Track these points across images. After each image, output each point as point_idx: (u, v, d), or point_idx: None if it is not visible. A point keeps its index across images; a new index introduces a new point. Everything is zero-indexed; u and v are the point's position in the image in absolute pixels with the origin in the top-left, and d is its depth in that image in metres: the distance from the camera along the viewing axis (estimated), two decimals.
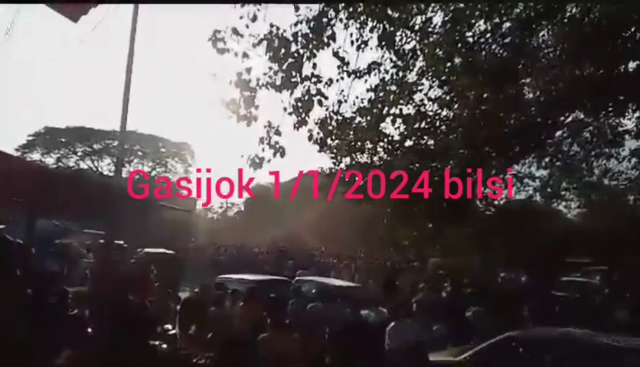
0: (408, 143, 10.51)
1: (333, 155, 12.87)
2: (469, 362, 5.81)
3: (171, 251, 15.39)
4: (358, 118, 7.88)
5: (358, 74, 7.70)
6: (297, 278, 11.03)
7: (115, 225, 12.09)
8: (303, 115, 5.96)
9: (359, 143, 11.09)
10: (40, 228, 12.29)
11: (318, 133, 6.95)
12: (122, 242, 13.49)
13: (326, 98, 6.21)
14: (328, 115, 7.10)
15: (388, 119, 8.24)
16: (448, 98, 10.10)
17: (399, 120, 8.58)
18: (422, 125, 9.28)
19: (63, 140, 37.04)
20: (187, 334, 7.34)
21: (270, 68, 6.20)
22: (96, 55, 60.10)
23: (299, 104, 5.95)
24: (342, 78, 7.12)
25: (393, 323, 5.89)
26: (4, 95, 51.81)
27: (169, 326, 7.65)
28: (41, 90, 55.37)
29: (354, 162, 12.49)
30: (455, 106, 10.79)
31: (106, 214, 12.10)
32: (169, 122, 67.11)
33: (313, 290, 9.84)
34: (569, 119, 12.70)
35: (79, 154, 37.71)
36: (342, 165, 12.84)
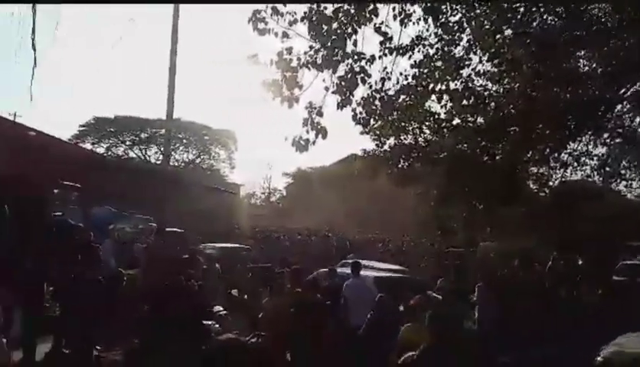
0: (456, 121, 10.09)
1: (376, 137, 12.66)
2: None
3: (238, 245, 15.44)
4: (402, 96, 7.58)
5: (402, 50, 7.40)
6: (342, 261, 10.89)
7: (165, 210, 12.52)
8: (347, 94, 5.75)
9: (403, 123, 10.79)
10: (96, 214, 12.88)
11: (360, 113, 6.71)
12: (177, 229, 13.84)
13: (369, 76, 5.98)
14: (370, 94, 6.84)
15: (434, 96, 7.88)
16: (497, 72, 9.59)
17: (445, 97, 8.19)
18: (471, 101, 8.83)
19: (111, 129, 38.48)
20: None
21: (311, 47, 6.03)
22: (141, 45, 61.90)
23: (342, 83, 5.76)
24: (385, 54, 6.84)
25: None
26: (57, 86, 54.41)
27: (220, 308, 7.81)
28: (90, 81, 57.77)
29: (398, 143, 12.22)
30: (506, 81, 10.24)
31: (156, 199, 12.52)
32: (212, 109, 68.38)
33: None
34: (631, 91, 11.81)
35: (127, 143, 39.10)
36: (386, 146, 12.63)
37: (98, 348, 5.80)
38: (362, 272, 8.14)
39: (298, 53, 6.01)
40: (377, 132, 11.91)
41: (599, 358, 5.18)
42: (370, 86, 6.82)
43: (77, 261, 6.45)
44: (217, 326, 6.98)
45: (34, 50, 6.67)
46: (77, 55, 58.67)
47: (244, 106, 61.16)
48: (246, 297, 9.43)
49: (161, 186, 12.61)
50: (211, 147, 41.45)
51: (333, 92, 5.78)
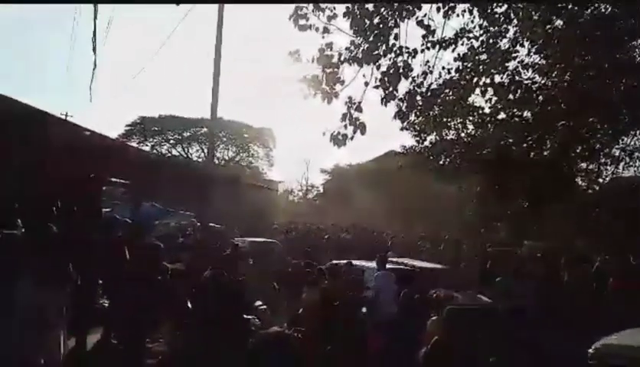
0: (501, 116, 9.74)
1: (416, 132, 12.44)
2: None
3: (268, 240, 15.58)
4: (445, 91, 7.39)
5: (445, 44, 7.21)
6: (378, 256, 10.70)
7: (207, 206, 12.80)
8: (390, 89, 5.65)
9: (445, 118, 10.54)
10: (142, 210, 13.33)
11: (402, 108, 6.59)
12: (216, 225, 14.09)
13: (412, 70, 5.86)
14: (412, 89, 6.70)
15: (478, 90, 7.63)
16: (546, 64, 9.18)
17: (490, 91, 7.92)
18: (517, 95, 8.50)
19: (156, 128, 39.68)
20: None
21: (352, 42, 5.96)
22: (184, 46, 63.56)
23: (386, 78, 5.66)
24: (428, 48, 6.68)
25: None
26: (105, 86, 56.68)
27: (260, 303, 7.89)
28: (137, 81, 59.76)
29: (439, 139, 11.93)
30: (555, 74, 9.81)
31: (200, 197, 12.82)
32: (253, 107, 69.44)
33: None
34: None
35: (170, 141, 40.22)
36: (427, 142, 12.37)
37: (147, 340, 5.96)
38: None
39: (340, 48, 5.97)
40: (418, 128, 11.71)
41: (590, 350, 5.49)
42: (413, 80, 6.70)
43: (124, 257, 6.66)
44: (258, 320, 7.06)
45: (95, 52, 6.92)
46: (122, 56, 60.91)
47: (284, 104, 61.68)
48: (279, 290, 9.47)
49: (204, 184, 12.92)
50: (250, 144, 42.03)
51: (375, 87, 5.70)
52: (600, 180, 14.02)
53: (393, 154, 23.95)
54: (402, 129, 11.68)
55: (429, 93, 6.75)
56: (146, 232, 10.32)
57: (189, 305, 6.18)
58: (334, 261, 9.73)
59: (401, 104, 6.80)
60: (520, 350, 5.69)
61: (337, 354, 5.68)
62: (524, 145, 10.80)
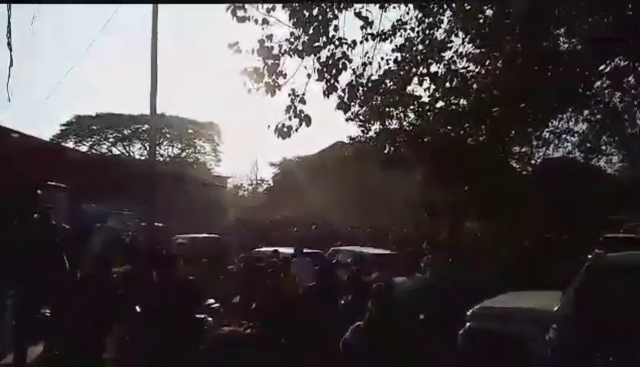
0: (439, 104, 10.11)
1: (361, 123, 12.67)
2: None
3: (215, 235, 15.42)
4: (385, 81, 7.58)
5: (383, 36, 7.39)
6: (333, 248, 11.04)
7: (151, 205, 12.41)
8: (332, 81, 5.73)
9: (387, 108, 10.80)
10: (82, 213, 12.74)
11: (343, 99, 6.70)
12: (160, 224, 13.70)
13: (351, 61, 5.97)
14: (353, 80, 6.83)
15: (416, 80, 7.89)
16: (479, 54, 9.62)
17: (427, 80, 8.21)
18: (454, 84, 8.86)
19: (94, 127, 37.79)
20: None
21: (292, 33, 5.98)
22: (117, 39, 60.68)
23: (325, 69, 5.74)
24: (367, 39, 6.83)
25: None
26: (33, 86, 53.23)
27: (212, 300, 7.79)
28: (69, 79, 56.58)
29: (383, 128, 12.21)
30: (487, 62, 10.30)
31: (144, 196, 12.39)
32: (194, 102, 67.55)
33: (349, 259, 9.83)
34: (610, 68, 11.98)
35: (110, 140, 38.50)
36: (371, 132, 12.63)
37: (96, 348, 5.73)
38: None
39: (280, 40, 5.98)
40: (362, 118, 11.93)
41: (468, 312, 5.94)
42: (353, 72, 6.83)
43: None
44: (210, 319, 6.98)
45: (10, 49, 6.48)
46: (54, 53, 57.36)
47: (228, 98, 60.55)
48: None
49: (146, 182, 12.49)
50: (196, 140, 41.03)
51: (317, 80, 5.75)
52: (532, 162, 14.95)
53: (340, 145, 24.25)
54: (347, 120, 11.78)
55: (369, 84, 6.91)
56: (87, 236, 9.91)
57: (137, 308, 6.00)
58: (262, 249, 10.80)
59: (343, 95, 6.92)
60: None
61: (296, 347, 5.73)
62: (462, 132, 11.28)
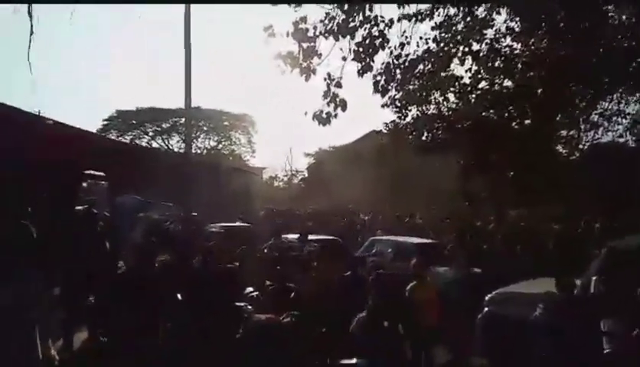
0: (481, 85, 9.63)
1: (397, 108, 12.32)
2: None
3: (247, 224, 15.59)
4: (424, 62, 7.25)
5: (421, 16, 7.07)
6: (372, 238, 10.68)
7: (188, 196, 12.54)
8: (367, 60, 5.51)
9: (425, 92, 10.42)
10: (122, 203, 13.01)
11: (380, 81, 6.46)
12: (195, 214, 13.84)
13: (388, 41, 5.72)
14: (391, 61, 6.57)
15: (457, 60, 7.51)
16: (523, 30, 9.07)
17: (469, 60, 7.80)
18: (497, 63, 8.40)
19: (134, 122, 38.83)
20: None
21: (327, 14, 5.79)
22: (153, 34, 62.05)
23: (361, 49, 5.52)
24: (405, 18, 6.54)
25: None
26: (78, 82, 55.25)
27: (251, 289, 7.75)
28: (110, 75, 58.25)
29: (421, 113, 11.80)
30: (532, 41, 9.73)
31: (180, 186, 12.50)
32: (229, 94, 68.31)
33: (389, 250, 9.53)
34: None
35: (150, 134, 39.46)
36: (408, 118, 12.24)
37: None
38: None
39: (314, 22, 5.81)
40: (399, 104, 11.59)
41: (487, 297, 6.18)
42: (390, 53, 6.58)
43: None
44: (249, 307, 6.95)
45: (31, 17, 6.67)
46: (94, 52, 59.28)
47: (263, 90, 60.96)
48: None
49: (184, 173, 12.63)
50: (231, 132, 41.48)
51: (352, 60, 5.55)
52: (580, 147, 14.13)
53: (374, 134, 23.84)
54: (383, 106, 11.53)
55: (406, 64, 6.63)
56: (129, 225, 10.09)
57: (179, 296, 6.04)
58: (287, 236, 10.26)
59: (380, 78, 6.69)
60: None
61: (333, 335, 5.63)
62: (506, 115, 10.75)
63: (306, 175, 41.91)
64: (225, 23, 61.89)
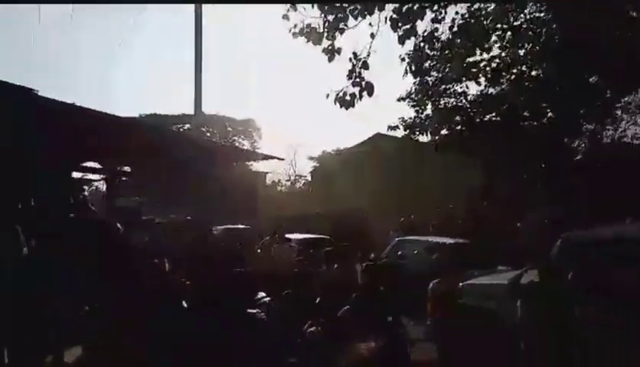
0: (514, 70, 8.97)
1: (415, 103, 11.77)
2: None
3: (247, 226, 15.44)
4: (458, 41, 6.66)
5: None
6: (398, 238, 9.98)
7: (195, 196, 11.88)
8: (410, 25, 4.89)
9: (444, 85, 9.86)
10: (124, 205, 12.42)
11: (411, 63, 5.88)
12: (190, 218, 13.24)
13: (425, 9, 5.12)
14: (421, 41, 6.00)
15: (495, 37, 6.88)
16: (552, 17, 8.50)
17: (508, 36, 7.16)
18: (530, 47, 7.81)
19: None
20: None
21: None
22: (154, 39, 61.77)
23: (400, 16, 4.91)
24: None
25: None
26: (80, 89, 54.78)
27: (263, 294, 7.09)
28: (112, 81, 57.81)
29: (439, 107, 11.21)
30: (555, 26, 9.13)
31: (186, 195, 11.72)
32: (232, 99, 67.86)
33: (415, 251, 8.85)
34: None
35: None
36: (427, 112, 11.68)
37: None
38: None
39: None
40: (416, 98, 11.07)
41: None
42: (424, 32, 6.01)
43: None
44: (262, 314, 6.24)
45: None
46: (96, 56, 58.95)
47: (266, 94, 60.45)
48: None
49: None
50: (235, 138, 41.02)
51: (391, 26, 4.92)
52: (604, 142, 13.48)
53: (378, 137, 23.11)
54: (399, 99, 10.98)
55: (439, 44, 6.07)
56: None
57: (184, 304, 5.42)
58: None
59: (411, 61, 6.11)
60: None
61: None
62: (536, 106, 10.12)
63: (310, 179, 41.37)
64: (227, 23, 61.72)
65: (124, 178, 13.51)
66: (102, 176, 14.99)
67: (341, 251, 7.40)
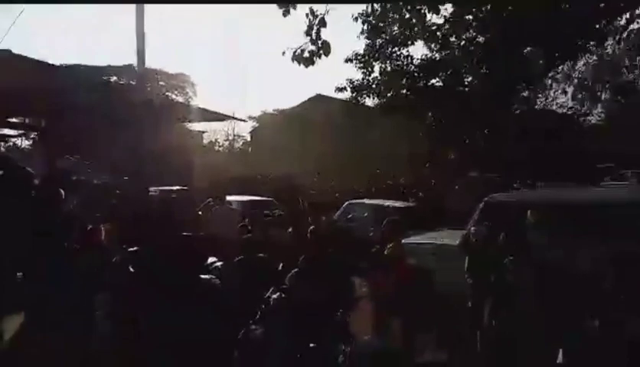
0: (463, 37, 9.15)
1: (362, 65, 11.68)
2: None
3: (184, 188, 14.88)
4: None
5: None
6: (348, 202, 9.99)
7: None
8: None
9: (400, 37, 9.80)
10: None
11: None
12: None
13: None
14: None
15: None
16: None
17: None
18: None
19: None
20: None
21: None
22: None
23: None
24: None
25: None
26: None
27: (214, 259, 6.84)
28: (47, 27, 52.12)
29: (387, 68, 11.23)
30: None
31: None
32: (165, 52, 63.89)
33: (365, 214, 8.96)
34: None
35: None
36: (374, 74, 11.64)
37: None
38: None
39: None
40: (363, 59, 10.98)
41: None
42: None
43: None
44: (217, 280, 6.03)
45: None
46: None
47: (204, 50, 57.55)
48: None
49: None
50: (167, 93, 38.88)
51: None
52: (536, 107, 14.31)
53: (319, 97, 22.89)
54: (346, 60, 10.84)
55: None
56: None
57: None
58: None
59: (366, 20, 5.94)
60: None
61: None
62: (478, 72, 10.44)
63: (249, 139, 40.60)
64: None
65: (52, 135, 12.36)
66: (20, 131, 13.68)
67: (296, 215, 7.33)
